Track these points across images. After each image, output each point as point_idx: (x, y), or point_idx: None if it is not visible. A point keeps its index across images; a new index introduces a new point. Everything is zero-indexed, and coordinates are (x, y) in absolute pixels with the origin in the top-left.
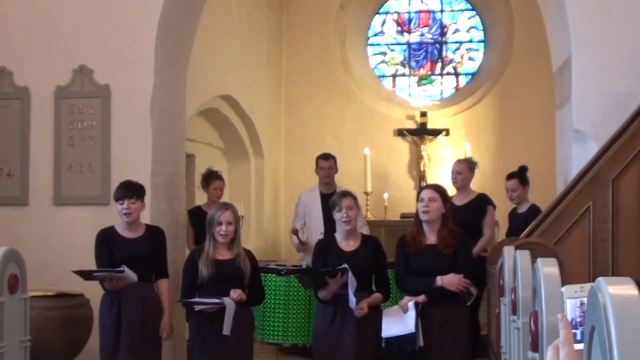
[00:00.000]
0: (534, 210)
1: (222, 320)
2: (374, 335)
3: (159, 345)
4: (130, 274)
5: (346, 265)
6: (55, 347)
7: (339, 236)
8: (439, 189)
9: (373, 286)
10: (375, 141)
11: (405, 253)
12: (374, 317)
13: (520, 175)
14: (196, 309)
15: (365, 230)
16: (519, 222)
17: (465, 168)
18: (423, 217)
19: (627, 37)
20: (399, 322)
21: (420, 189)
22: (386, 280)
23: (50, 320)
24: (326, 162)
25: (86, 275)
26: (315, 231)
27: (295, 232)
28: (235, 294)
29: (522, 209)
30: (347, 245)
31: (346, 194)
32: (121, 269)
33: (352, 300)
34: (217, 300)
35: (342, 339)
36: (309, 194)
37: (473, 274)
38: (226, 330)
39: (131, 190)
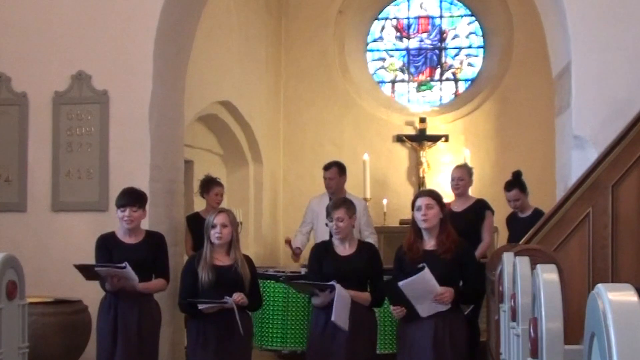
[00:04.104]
0: (538, 214)
1: (220, 325)
2: (367, 341)
3: (155, 352)
4: (131, 273)
5: (334, 283)
6: (54, 354)
7: (335, 240)
8: (433, 195)
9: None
10: (374, 147)
11: (400, 266)
12: (367, 322)
13: (518, 184)
14: (199, 307)
15: (372, 240)
16: (523, 227)
17: (466, 174)
18: (423, 225)
19: (627, 43)
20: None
21: (414, 197)
22: (380, 288)
23: (48, 326)
24: (327, 173)
25: (87, 271)
26: (322, 237)
27: (287, 241)
28: (238, 296)
29: (525, 213)
30: (344, 250)
31: (340, 204)
32: (122, 264)
33: (334, 314)
34: (221, 300)
35: (334, 344)
36: (318, 200)
37: (479, 285)
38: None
39: (134, 198)
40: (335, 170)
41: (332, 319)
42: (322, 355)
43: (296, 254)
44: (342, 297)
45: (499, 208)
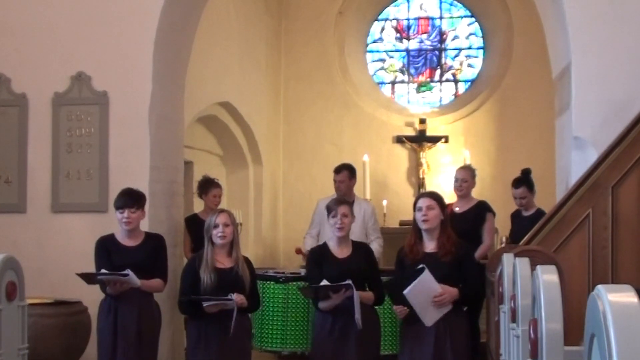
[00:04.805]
0: (540, 214)
1: (220, 326)
2: (373, 340)
3: (155, 354)
4: (134, 278)
5: (349, 282)
6: (53, 355)
7: (331, 243)
8: (435, 197)
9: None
10: (374, 148)
11: (402, 267)
12: (372, 322)
13: (527, 182)
14: (204, 305)
15: (378, 244)
16: (524, 226)
17: (470, 176)
18: (423, 225)
19: (627, 44)
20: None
21: (416, 198)
22: (379, 286)
23: (48, 327)
24: (337, 176)
25: (89, 278)
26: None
27: (298, 251)
28: (239, 297)
29: (529, 212)
30: (341, 252)
31: (343, 201)
32: (126, 272)
33: (357, 312)
34: (225, 297)
35: (343, 347)
36: (326, 202)
37: (479, 286)
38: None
39: (132, 199)
40: (346, 174)
41: (356, 316)
42: (332, 357)
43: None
44: (357, 295)
45: (499, 209)
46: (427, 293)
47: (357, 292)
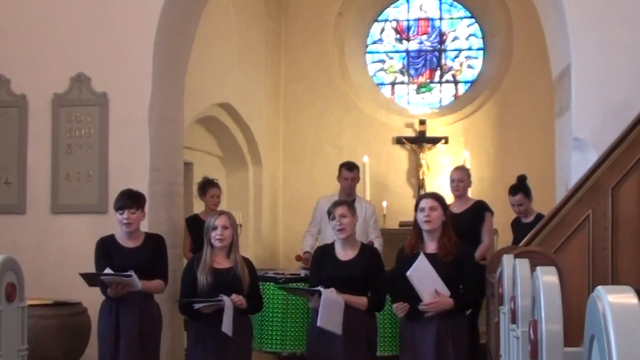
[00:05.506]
0: (541, 219)
1: (218, 326)
2: (365, 344)
3: (156, 354)
4: (136, 280)
5: (320, 288)
6: (53, 356)
7: (336, 244)
8: (437, 197)
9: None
10: (374, 149)
11: (401, 268)
12: (365, 326)
13: (523, 188)
14: (195, 307)
15: (377, 244)
16: (525, 233)
17: (466, 175)
18: (425, 227)
19: (627, 45)
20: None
21: (418, 199)
22: (381, 292)
23: (47, 328)
24: (350, 173)
25: (92, 279)
26: (330, 239)
27: (298, 259)
28: (237, 298)
29: (528, 218)
30: (344, 254)
31: (342, 202)
32: (129, 273)
33: (319, 319)
34: (216, 299)
35: (332, 347)
36: (327, 200)
37: (479, 287)
38: (226, 328)
39: (132, 200)
40: (357, 172)
41: (318, 324)
42: (321, 356)
43: (306, 258)
44: (330, 302)
45: (499, 210)
46: (427, 277)
47: (326, 300)
